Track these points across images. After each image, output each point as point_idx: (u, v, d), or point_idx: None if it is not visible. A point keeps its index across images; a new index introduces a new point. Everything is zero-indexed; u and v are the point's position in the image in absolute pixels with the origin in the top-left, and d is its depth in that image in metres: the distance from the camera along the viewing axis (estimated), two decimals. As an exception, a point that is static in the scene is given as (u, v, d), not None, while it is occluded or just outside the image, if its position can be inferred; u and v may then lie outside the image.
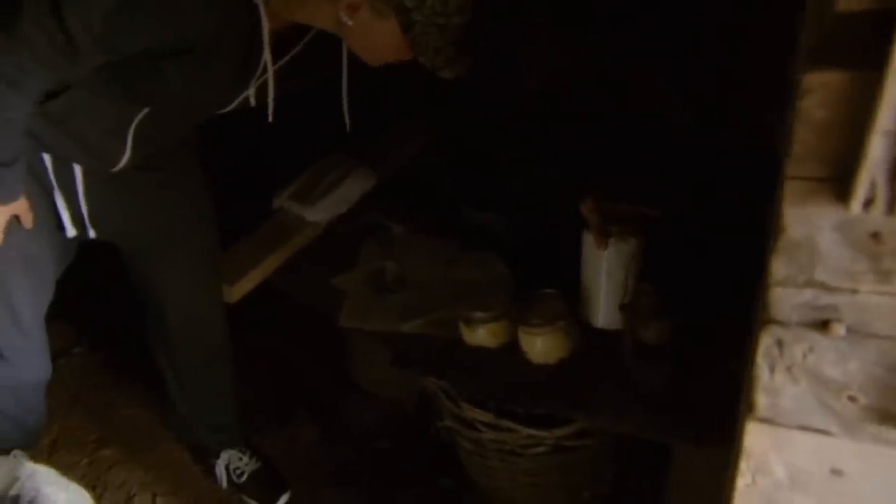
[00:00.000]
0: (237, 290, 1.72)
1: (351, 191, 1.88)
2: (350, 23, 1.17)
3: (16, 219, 1.40)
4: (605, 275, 1.54)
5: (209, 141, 1.60)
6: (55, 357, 1.73)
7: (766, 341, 0.68)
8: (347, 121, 1.46)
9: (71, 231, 1.49)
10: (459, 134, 1.63)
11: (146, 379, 1.98)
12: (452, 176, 1.94)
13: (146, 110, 1.36)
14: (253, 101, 1.36)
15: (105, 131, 1.38)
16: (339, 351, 2.09)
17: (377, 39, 1.20)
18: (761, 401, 0.68)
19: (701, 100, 1.75)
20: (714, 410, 1.40)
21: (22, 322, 1.53)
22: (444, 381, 1.64)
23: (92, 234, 1.52)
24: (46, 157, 1.40)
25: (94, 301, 2.25)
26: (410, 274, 1.76)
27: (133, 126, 1.37)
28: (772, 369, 0.67)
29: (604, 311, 1.58)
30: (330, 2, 1.18)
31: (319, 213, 1.83)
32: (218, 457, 1.87)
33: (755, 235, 1.54)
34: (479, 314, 1.58)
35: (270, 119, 1.36)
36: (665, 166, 1.72)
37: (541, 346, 1.55)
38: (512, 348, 1.59)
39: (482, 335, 1.59)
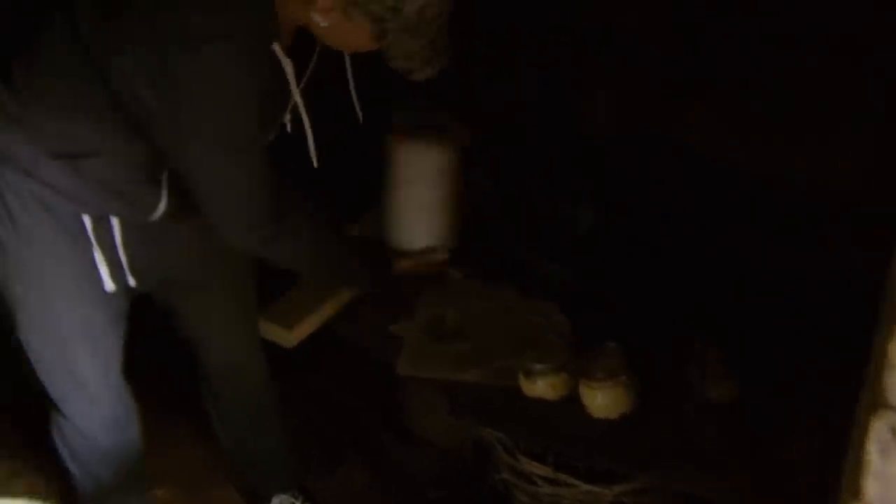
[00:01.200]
0: (296, 335, 1.72)
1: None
2: (324, 24, 1.23)
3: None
4: (407, 186, 1.63)
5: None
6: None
7: (877, 426, 0.65)
8: (359, 113, 1.52)
9: (109, 285, 1.48)
10: (522, 179, 1.64)
11: (200, 417, 1.98)
12: (513, 222, 1.94)
13: None
14: (289, 128, 1.42)
15: (140, 181, 1.39)
16: (393, 396, 2.08)
17: (349, 38, 1.27)
18: (871, 488, 0.65)
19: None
20: (781, 476, 1.36)
21: (87, 387, 1.54)
22: (502, 432, 1.62)
23: (132, 282, 1.52)
24: (86, 217, 1.40)
25: (149, 337, 2.27)
26: (469, 321, 1.75)
27: (166, 173, 1.38)
28: (884, 456, 0.64)
29: (406, 230, 1.65)
30: (305, 4, 1.22)
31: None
32: (269, 501, 1.87)
33: (830, 301, 1.52)
34: (539, 366, 1.57)
35: (315, 165, 1.44)
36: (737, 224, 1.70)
37: (601, 400, 1.53)
38: (572, 401, 1.56)
39: (542, 387, 1.57)
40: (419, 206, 1.65)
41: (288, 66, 1.28)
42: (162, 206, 1.41)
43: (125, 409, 1.63)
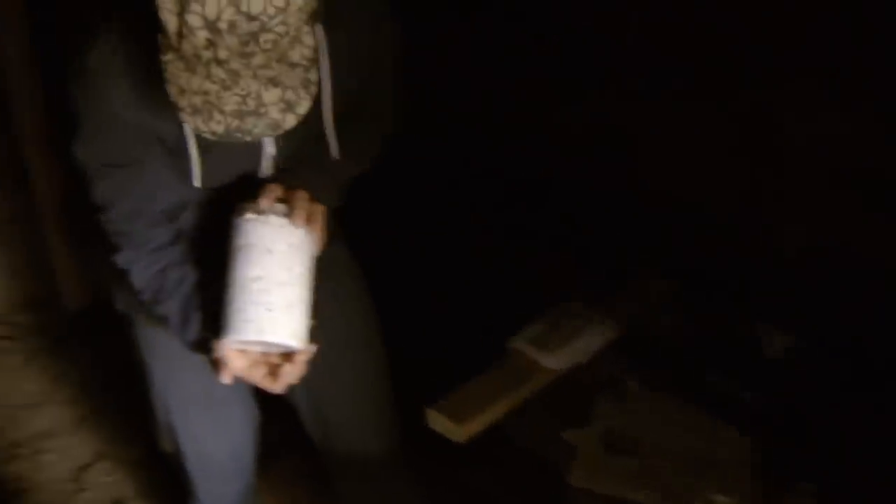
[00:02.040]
0: (466, 431, 1.70)
1: (591, 341, 1.84)
2: None
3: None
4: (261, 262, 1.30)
5: (443, 279, 1.61)
6: (264, 460, 1.74)
7: None
8: (334, 146, 1.39)
9: None
10: (707, 290, 1.57)
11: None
12: (698, 336, 1.86)
13: None
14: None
15: None
16: (553, 501, 2.00)
17: None
18: None
19: None
20: None
21: (212, 462, 1.58)
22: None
23: None
24: None
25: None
26: (646, 437, 1.67)
27: None
28: None
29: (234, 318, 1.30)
30: None
31: (557, 361, 1.80)
32: None
33: None
34: (721, 498, 1.47)
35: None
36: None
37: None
38: (755, 540, 1.45)
39: (724, 521, 1.47)
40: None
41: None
42: None
43: (247, 488, 1.64)
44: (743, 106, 1.86)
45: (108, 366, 2.74)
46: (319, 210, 1.34)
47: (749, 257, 1.92)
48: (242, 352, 1.31)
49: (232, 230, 1.32)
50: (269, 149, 1.35)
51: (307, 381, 1.45)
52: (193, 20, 0.98)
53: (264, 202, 1.30)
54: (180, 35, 1.00)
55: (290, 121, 1.10)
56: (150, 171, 1.34)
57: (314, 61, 1.11)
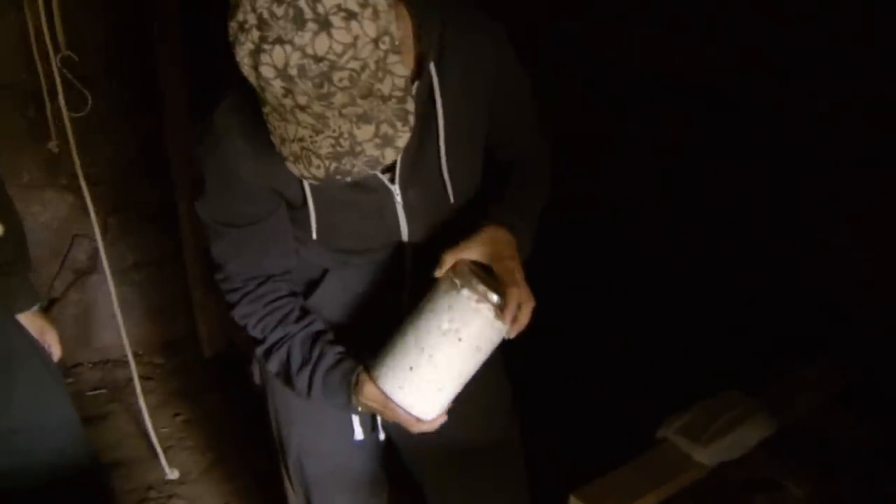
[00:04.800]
0: (611, 523, 1.59)
1: (747, 436, 1.69)
2: None
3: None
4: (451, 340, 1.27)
5: (593, 361, 1.55)
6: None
7: None
8: (449, 188, 1.35)
9: (359, 433, 1.47)
10: (879, 384, 1.42)
11: None
12: (868, 437, 1.69)
13: None
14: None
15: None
16: None
17: None
18: None
19: None
20: None
21: None
22: None
23: (382, 436, 1.49)
24: None
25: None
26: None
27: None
28: None
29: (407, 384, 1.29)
30: None
31: (709, 455, 1.66)
32: None
33: None
34: None
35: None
36: None
37: None
38: None
39: None
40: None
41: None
42: None
43: None
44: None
45: (238, 414, 2.77)
46: (530, 302, 1.29)
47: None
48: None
49: (440, 295, 1.28)
50: (398, 196, 1.33)
51: (438, 466, 1.47)
52: (266, 72, 0.99)
53: (481, 286, 1.26)
54: (262, 88, 1.02)
55: (390, 155, 1.07)
56: (269, 231, 1.35)
57: (409, 90, 1.08)
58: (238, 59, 1.02)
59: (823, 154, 1.86)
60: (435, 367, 1.29)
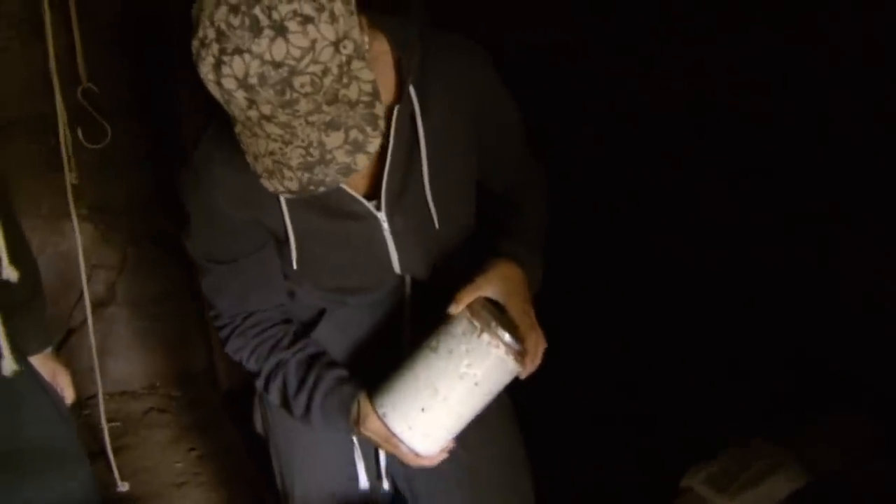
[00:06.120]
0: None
1: (777, 489, 1.61)
2: None
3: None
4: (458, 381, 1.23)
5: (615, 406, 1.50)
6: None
7: None
8: (434, 213, 1.32)
9: (364, 482, 1.45)
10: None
11: None
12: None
13: None
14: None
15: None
16: None
17: None
18: None
19: None
20: None
21: None
22: None
23: (386, 485, 1.47)
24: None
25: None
26: None
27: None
28: None
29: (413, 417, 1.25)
30: None
31: (737, 508, 1.59)
32: None
33: None
34: None
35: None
36: None
37: None
38: None
39: None
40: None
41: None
42: None
43: None
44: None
45: (253, 450, 2.72)
46: (543, 344, 1.28)
47: None
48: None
49: (457, 337, 1.24)
50: (385, 224, 1.31)
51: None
52: (228, 83, 0.99)
53: (501, 331, 1.23)
54: (227, 102, 1.02)
55: (361, 161, 1.05)
56: (255, 267, 1.34)
57: (376, 95, 1.06)
58: (202, 75, 1.01)
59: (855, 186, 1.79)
60: (448, 410, 1.25)
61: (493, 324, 1.23)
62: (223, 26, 0.97)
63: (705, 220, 2.11)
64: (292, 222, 1.27)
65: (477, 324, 1.23)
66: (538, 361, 1.28)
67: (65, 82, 2.32)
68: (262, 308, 1.38)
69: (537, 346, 1.27)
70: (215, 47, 0.98)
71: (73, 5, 2.35)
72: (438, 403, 1.24)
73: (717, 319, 2.11)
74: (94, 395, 2.97)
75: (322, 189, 1.06)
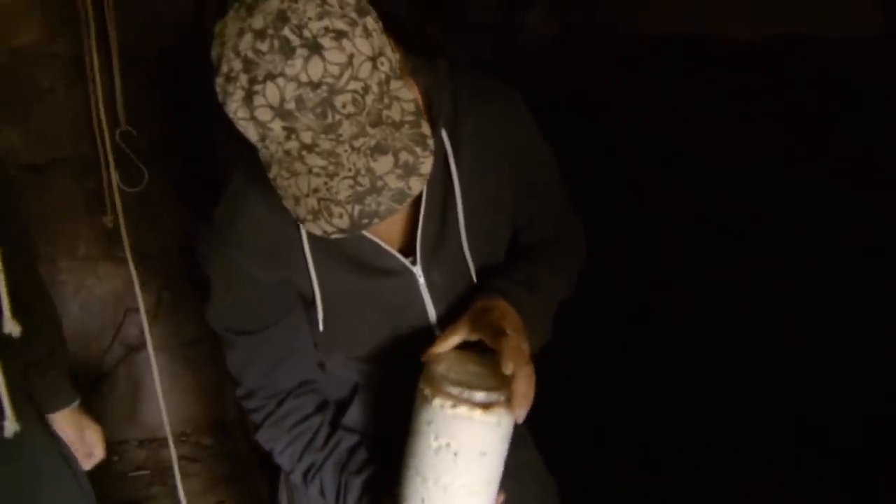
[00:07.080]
0: None
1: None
2: None
3: None
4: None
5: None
6: None
7: None
8: (471, 266, 1.21)
9: None
10: None
11: None
12: None
13: None
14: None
15: None
16: None
17: None
18: None
19: None
20: None
21: None
22: None
23: None
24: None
25: None
26: None
27: None
28: None
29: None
30: None
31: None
32: None
33: None
34: None
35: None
36: None
37: None
38: None
39: None
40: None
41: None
42: None
43: None
44: None
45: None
46: (532, 376, 1.07)
47: None
48: None
49: (416, 411, 1.10)
50: (421, 279, 1.20)
51: None
52: (262, 114, 0.91)
53: (452, 388, 1.06)
54: (262, 138, 0.93)
55: (416, 185, 0.94)
56: (282, 335, 1.23)
57: (420, 114, 0.97)
58: (231, 115, 0.93)
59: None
60: (445, 492, 1.10)
61: (444, 383, 1.06)
62: (250, 54, 0.90)
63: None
64: (318, 279, 1.17)
65: (426, 390, 1.08)
66: (531, 394, 1.06)
67: (104, 125, 2.30)
68: (294, 388, 1.26)
69: (526, 383, 1.06)
70: (244, 78, 0.90)
71: (114, 48, 2.34)
72: (432, 488, 1.10)
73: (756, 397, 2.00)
74: (124, 441, 2.92)
75: (376, 221, 0.94)
